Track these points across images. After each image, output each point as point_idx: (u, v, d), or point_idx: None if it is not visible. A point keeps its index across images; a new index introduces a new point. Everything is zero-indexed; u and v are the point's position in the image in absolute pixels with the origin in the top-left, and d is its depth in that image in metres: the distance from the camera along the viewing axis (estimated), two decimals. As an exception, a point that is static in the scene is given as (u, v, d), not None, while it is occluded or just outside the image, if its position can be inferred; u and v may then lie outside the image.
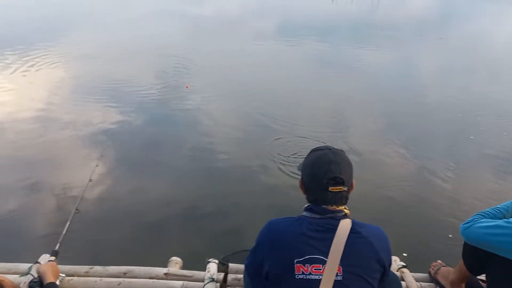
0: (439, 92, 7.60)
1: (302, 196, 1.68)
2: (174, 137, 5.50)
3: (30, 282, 2.19)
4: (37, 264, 2.32)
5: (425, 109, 6.79)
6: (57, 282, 2.04)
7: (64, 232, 2.17)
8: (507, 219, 1.89)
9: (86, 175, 3.01)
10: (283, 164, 4.72)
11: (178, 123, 5.96)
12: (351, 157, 4.90)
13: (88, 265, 2.47)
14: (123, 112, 6.18)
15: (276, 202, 4.08)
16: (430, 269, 2.49)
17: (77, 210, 2.32)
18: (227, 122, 5.96)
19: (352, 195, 1.64)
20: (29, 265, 2.36)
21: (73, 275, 2.36)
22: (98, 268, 2.46)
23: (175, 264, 2.60)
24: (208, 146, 5.26)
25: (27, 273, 2.28)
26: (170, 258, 2.68)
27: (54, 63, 8.60)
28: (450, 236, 3.64)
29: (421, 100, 7.20)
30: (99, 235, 3.48)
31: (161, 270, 2.43)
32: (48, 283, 1.85)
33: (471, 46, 11.30)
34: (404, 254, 3.35)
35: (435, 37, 11.96)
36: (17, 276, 2.31)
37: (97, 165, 3.31)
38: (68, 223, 2.34)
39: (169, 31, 11.92)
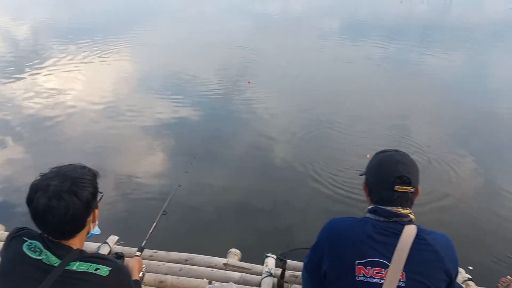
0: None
1: (360, 204, 1.67)
2: (237, 135, 5.61)
3: None
4: (106, 245, 2.48)
5: (499, 118, 6.36)
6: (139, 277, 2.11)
7: (150, 231, 2.29)
8: None
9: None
10: (335, 175, 4.66)
11: (242, 121, 6.06)
12: (421, 163, 4.74)
13: (153, 249, 2.61)
14: (189, 106, 6.42)
15: (329, 207, 4.07)
16: (499, 284, 2.34)
17: (164, 211, 2.42)
18: (288, 123, 5.98)
19: (420, 201, 1.60)
20: (98, 244, 2.52)
21: (137, 258, 2.49)
22: (161, 253, 2.58)
23: (234, 256, 2.66)
24: (268, 146, 5.33)
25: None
26: (229, 249, 2.75)
27: (126, 55, 9.09)
28: (510, 255, 3.42)
29: (495, 108, 6.76)
30: (163, 224, 3.64)
31: (221, 260, 2.50)
32: (134, 280, 1.88)
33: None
34: (470, 268, 3.19)
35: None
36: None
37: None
38: (155, 223, 2.42)
39: (237, 27, 12.11)
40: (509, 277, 2.37)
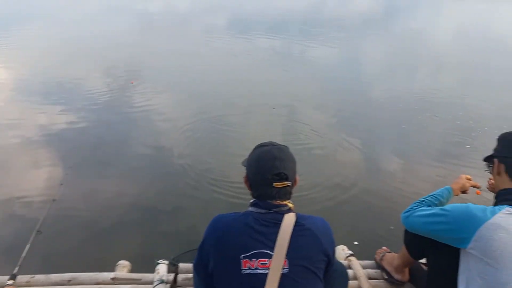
0: (386, 85, 7.88)
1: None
2: (123, 139, 5.34)
3: None
4: None
5: (372, 102, 7.00)
6: None
7: (23, 254, 2.01)
8: (443, 205, 1.99)
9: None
10: (231, 166, 4.72)
11: (128, 124, 5.78)
12: (301, 149, 4.98)
13: (30, 274, 2.35)
14: (70, 112, 5.96)
15: (227, 201, 4.05)
16: (376, 256, 2.58)
17: (39, 231, 2.16)
18: (178, 122, 5.85)
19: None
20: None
21: (13, 286, 2.22)
22: (39, 277, 2.34)
23: (122, 268, 2.52)
24: (156, 148, 5.15)
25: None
26: (117, 262, 2.60)
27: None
28: (392, 228, 3.77)
29: (368, 93, 7.43)
30: (40, 245, 3.31)
31: (108, 275, 2.35)
32: None
33: (418, 41, 11.76)
34: (355, 243, 3.46)
35: (381, 32, 12.35)
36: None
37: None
38: (29, 245, 2.13)
39: (119, 28, 11.52)
40: (384, 247, 2.62)
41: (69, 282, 2.31)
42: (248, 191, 1.72)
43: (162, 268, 2.35)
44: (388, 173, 4.81)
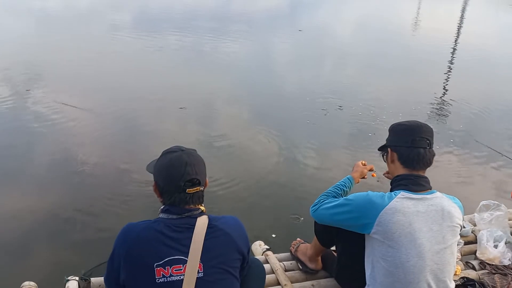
0: (296, 80, 8.15)
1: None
2: (24, 149, 4.86)
3: None
4: None
5: (284, 96, 7.14)
6: None
7: None
8: (347, 195, 2.13)
9: None
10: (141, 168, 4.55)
11: (29, 131, 5.27)
12: (212, 146, 4.94)
13: None
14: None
15: (142, 205, 3.90)
16: (291, 247, 2.67)
17: None
18: (89, 128, 5.49)
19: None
20: None
21: None
22: None
23: (28, 290, 2.32)
24: (66, 153, 4.81)
25: None
26: (22, 283, 2.39)
27: None
28: (302, 219, 3.89)
29: (279, 86, 7.60)
30: None
31: (11, 299, 2.16)
32: None
33: (326, 37, 12.30)
34: (273, 235, 3.54)
35: (295, 29, 12.71)
36: None
37: None
38: None
39: (15, 28, 10.48)
40: (298, 239, 2.73)
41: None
42: (157, 198, 1.68)
43: (72, 285, 2.21)
44: (299, 165, 4.95)
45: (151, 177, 1.71)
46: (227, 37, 10.87)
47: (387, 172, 2.12)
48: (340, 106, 6.69)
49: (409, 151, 1.90)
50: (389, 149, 2.00)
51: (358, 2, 18.90)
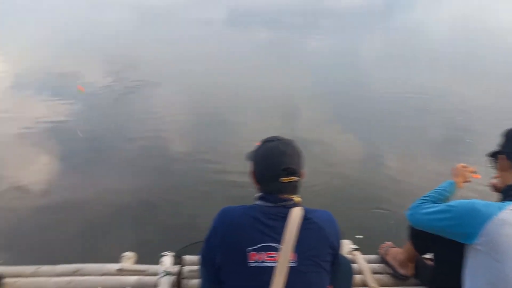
0: (385, 79, 7.82)
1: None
2: (124, 132, 5.32)
3: None
4: None
5: (369, 95, 6.95)
6: None
7: None
8: (448, 201, 1.99)
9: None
10: (233, 155, 4.72)
11: (125, 117, 5.74)
12: (302, 145, 4.95)
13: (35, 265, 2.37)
14: (68, 105, 5.91)
15: (230, 194, 4.05)
16: (380, 250, 2.59)
17: None
18: (176, 117, 5.83)
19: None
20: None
21: (18, 276, 2.25)
22: (45, 268, 2.36)
23: (128, 260, 2.53)
24: (160, 140, 5.15)
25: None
26: (122, 253, 2.62)
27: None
28: (392, 222, 3.77)
29: (369, 87, 7.37)
30: (47, 234, 3.34)
31: (113, 266, 2.37)
32: None
33: (420, 36, 11.65)
34: (360, 236, 3.46)
35: (388, 27, 12.23)
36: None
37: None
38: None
39: (118, 20, 11.44)
40: (388, 242, 2.63)
41: (74, 273, 2.32)
42: (254, 185, 1.73)
43: (167, 260, 2.37)
44: (390, 168, 4.80)
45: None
46: (317, 33, 10.73)
47: (494, 185, 1.95)
48: (430, 108, 6.29)
49: None
50: (503, 155, 1.83)
51: (457, 2, 17.50)
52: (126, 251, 2.62)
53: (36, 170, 4.38)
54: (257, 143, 1.71)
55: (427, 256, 2.31)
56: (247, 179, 1.71)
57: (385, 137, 5.52)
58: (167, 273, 2.24)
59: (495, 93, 7.18)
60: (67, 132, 5.21)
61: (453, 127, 5.82)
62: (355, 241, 2.91)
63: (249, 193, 1.74)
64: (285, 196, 1.61)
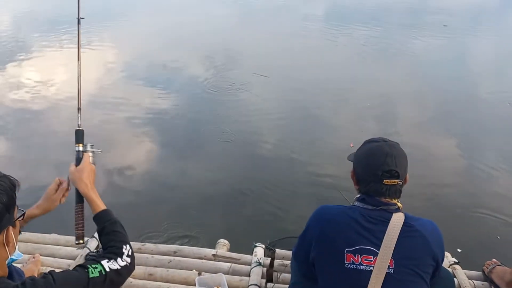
0: (493, 85, 7.13)
1: (349, 187, 1.67)
2: (218, 123, 5.53)
3: (87, 255, 2.33)
4: (94, 239, 2.44)
5: (479, 102, 6.41)
6: None
7: None
8: None
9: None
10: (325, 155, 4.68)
11: (223, 110, 5.92)
12: (405, 146, 4.71)
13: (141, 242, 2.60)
14: (172, 97, 6.28)
15: (319, 193, 4.03)
16: (484, 267, 2.40)
17: None
18: (273, 112, 5.86)
19: (405, 188, 1.61)
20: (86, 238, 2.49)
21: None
22: (150, 245, 2.57)
23: (222, 246, 2.66)
24: (252, 133, 5.26)
25: (84, 246, 2.41)
26: (218, 240, 2.75)
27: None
28: (498, 237, 3.48)
29: (475, 93, 6.79)
30: (150, 217, 3.63)
31: (210, 251, 2.50)
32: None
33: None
34: (459, 250, 3.24)
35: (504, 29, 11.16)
36: (74, 249, 2.46)
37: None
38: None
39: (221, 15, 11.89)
40: (494, 260, 2.43)
41: (174, 253, 2.50)
42: (354, 186, 1.70)
43: (259, 251, 2.44)
44: (496, 179, 4.43)
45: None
46: (420, 33, 10.11)
47: None
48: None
49: None
50: None
51: None
52: (221, 238, 2.76)
53: (141, 155, 4.75)
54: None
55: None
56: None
57: (497, 149, 5.08)
58: (259, 264, 2.30)
59: None
60: (169, 122, 5.54)
61: None
62: (455, 255, 2.74)
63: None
64: (387, 200, 1.56)
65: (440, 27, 10.67)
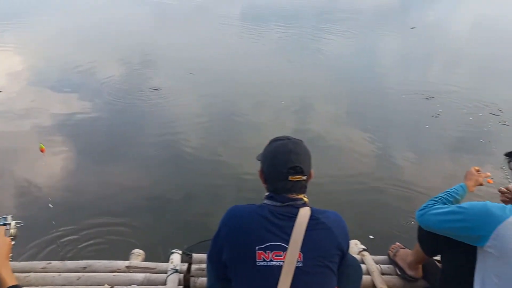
0: (399, 80, 7.74)
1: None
2: (135, 128, 5.33)
3: None
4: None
5: (385, 96, 6.90)
6: None
7: None
8: (459, 203, 1.97)
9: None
10: (247, 155, 4.71)
11: (141, 114, 5.74)
12: (314, 145, 4.94)
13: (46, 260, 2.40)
14: (84, 101, 5.93)
15: (242, 193, 4.05)
16: (389, 251, 2.57)
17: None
18: (193, 113, 5.81)
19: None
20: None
21: (29, 272, 2.28)
22: (56, 263, 2.38)
23: (137, 257, 2.56)
24: (172, 136, 5.15)
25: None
26: (132, 250, 2.64)
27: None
28: (404, 223, 3.74)
29: (382, 88, 7.31)
30: (56, 230, 3.37)
31: (123, 263, 2.38)
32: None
33: (439, 36, 11.51)
34: (371, 237, 3.45)
35: (407, 27, 12.14)
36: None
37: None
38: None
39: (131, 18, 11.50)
40: (397, 243, 2.61)
41: (84, 269, 2.34)
42: (263, 185, 1.73)
43: (176, 257, 2.38)
44: (401, 168, 4.77)
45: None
46: (331, 33, 10.68)
47: (505, 190, 1.92)
48: (440, 113, 6.20)
49: None
50: None
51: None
52: (135, 248, 2.65)
53: (55, 164, 4.41)
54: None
55: (437, 258, 2.29)
56: (259, 183, 1.72)
57: (404, 139, 5.50)
58: (176, 271, 2.25)
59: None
60: (84, 127, 5.25)
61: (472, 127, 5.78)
62: (365, 242, 2.91)
63: (261, 195, 1.74)
64: (294, 196, 1.61)
65: (348, 26, 11.36)
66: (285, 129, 5.36)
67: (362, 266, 2.38)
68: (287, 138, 1.69)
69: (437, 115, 6.08)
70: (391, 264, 2.51)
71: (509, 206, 1.68)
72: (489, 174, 2.20)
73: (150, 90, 6.44)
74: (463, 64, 8.96)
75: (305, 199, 1.64)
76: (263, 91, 6.71)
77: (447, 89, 7.18)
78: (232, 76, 7.34)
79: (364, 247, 2.65)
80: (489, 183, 2.23)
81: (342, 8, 14.22)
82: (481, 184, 2.15)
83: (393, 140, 5.42)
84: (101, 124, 5.35)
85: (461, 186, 2.09)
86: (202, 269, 2.29)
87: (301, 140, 1.72)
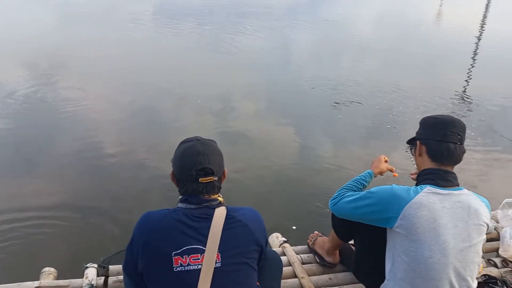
0: (311, 73, 8.02)
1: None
2: (49, 136, 4.99)
3: None
4: None
5: (300, 88, 7.10)
6: None
7: None
8: (367, 189, 2.09)
9: None
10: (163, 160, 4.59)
11: (54, 121, 5.37)
12: (231, 141, 4.95)
13: None
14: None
15: (166, 197, 3.87)
16: (308, 240, 2.65)
17: None
18: (110, 119, 5.54)
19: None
20: None
21: None
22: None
23: (48, 275, 2.36)
24: (88, 145, 4.85)
25: None
26: (42, 269, 2.44)
27: None
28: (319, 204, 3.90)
29: (295, 80, 7.51)
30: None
31: (32, 284, 2.19)
32: None
33: (343, 31, 12.07)
34: (294, 227, 3.53)
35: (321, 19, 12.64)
36: None
37: None
38: None
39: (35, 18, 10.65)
40: (316, 232, 2.71)
41: (-14, 296, 2.13)
42: (175, 187, 1.68)
43: (91, 272, 2.25)
44: (320, 157, 4.94)
45: (167, 169, 1.71)
46: (244, 30, 10.80)
47: (414, 173, 2.07)
48: (358, 102, 6.58)
49: (439, 145, 1.84)
50: (418, 141, 1.95)
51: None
52: (46, 266, 2.45)
53: None
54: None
55: (351, 242, 2.41)
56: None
57: (317, 129, 5.72)
58: (91, 286, 2.13)
59: (416, 84, 7.66)
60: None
61: (379, 116, 6.16)
62: (288, 233, 2.97)
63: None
64: (208, 197, 1.59)
65: (265, 21, 11.57)
66: (206, 128, 5.35)
67: (283, 258, 2.44)
68: (196, 139, 1.66)
69: (346, 105, 6.41)
70: (310, 253, 2.59)
71: (412, 187, 1.82)
72: (393, 168, 2.35)
73: (63, 99, 6.03)
74: (368, 58, 9.51)
75: (220, 198, 1.63)
76: (182, 90, 6.61)
77: (355, 80, 7.59)
78: (148, 75, 7.11)
79: (284, 239, 2.71)
80: (394, 176, 2.39)
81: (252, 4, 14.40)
82: (381, 173, 2.29)
83: (309, 131, 5.60)
84: (12, 135, 4.96)
85: (368, 173, 2.21)
86: (120, 281, 2.19)
87: (212, 140, 1.71)
